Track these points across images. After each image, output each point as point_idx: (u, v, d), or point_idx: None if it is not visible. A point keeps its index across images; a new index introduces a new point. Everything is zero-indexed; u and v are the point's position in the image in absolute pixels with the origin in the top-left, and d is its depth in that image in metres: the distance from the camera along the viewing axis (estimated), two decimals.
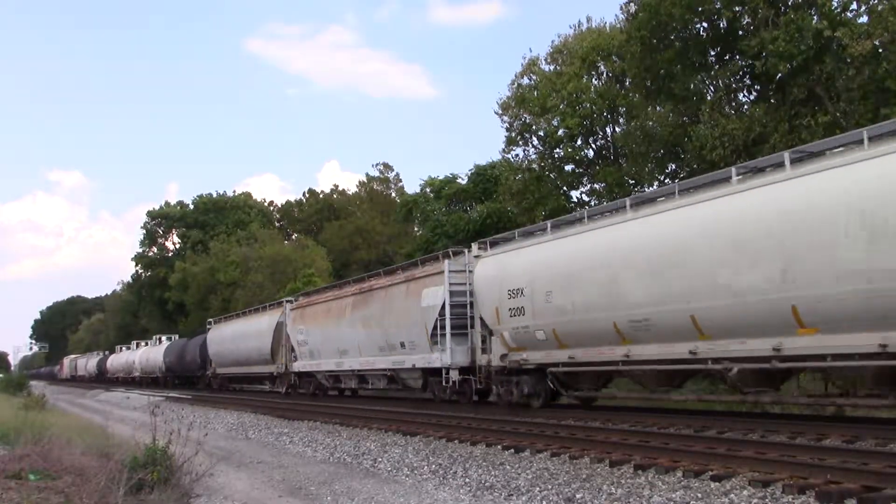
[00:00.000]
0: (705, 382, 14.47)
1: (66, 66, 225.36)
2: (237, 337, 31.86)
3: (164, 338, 49.40)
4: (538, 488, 8.54)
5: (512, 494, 8.55)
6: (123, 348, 60.85)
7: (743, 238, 10.81)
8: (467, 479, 9.55)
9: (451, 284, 17.67)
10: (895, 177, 9.15)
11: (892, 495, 6.57)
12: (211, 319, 39.28)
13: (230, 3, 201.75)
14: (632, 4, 23.72)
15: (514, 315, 15.47)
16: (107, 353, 67.72)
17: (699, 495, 7.43)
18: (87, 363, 72.34)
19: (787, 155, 10.78)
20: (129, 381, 52.54)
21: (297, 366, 26.37)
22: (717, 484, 7.77)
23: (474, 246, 18.10)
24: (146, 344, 52.13)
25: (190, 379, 41.11)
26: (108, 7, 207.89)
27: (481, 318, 16.98)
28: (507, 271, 16.04)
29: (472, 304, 17.41)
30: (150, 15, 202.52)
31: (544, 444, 11.10)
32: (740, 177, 11.48)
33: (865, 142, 9.73)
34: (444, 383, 17.93)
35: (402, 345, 19.49)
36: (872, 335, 9.32)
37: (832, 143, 10.70)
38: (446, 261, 18.03)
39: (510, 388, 16.24)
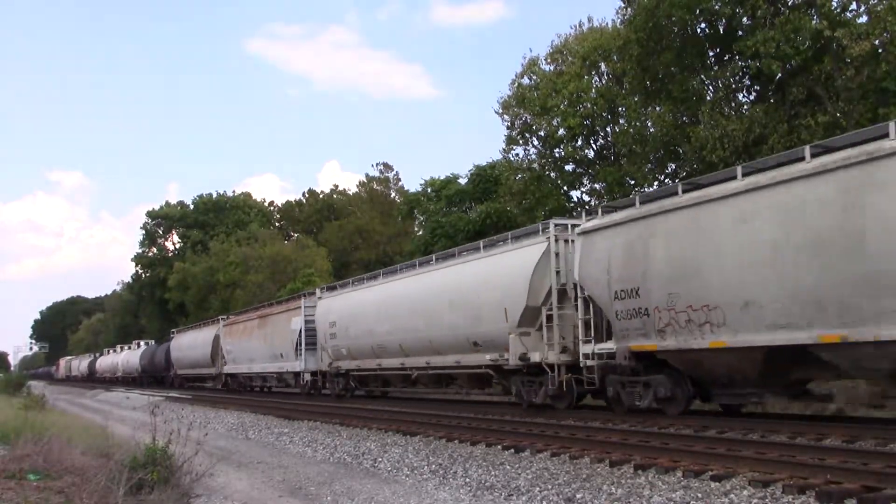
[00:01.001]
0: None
1: (67, 65, 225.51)
2: (190, 345, 40.05)
3: (142, 343, 56.96)
4: (538, 488, 8.54)
5: (512, 494, 8.55)
6: (110, 351, 67.44)
7: (415, 301, 19.38)
8: (467, 479, 9.55)
9: (305, 316, 25.84)
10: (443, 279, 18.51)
11: (892, 495, 6.57)
12: (174, 330, 47.71)
13: (231, 4, 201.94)
14: (628, 9, 23.76)
15: (332, 338, 23.60)
16: (97, 355, 73.59)
17: (699, 495, 7.44)
18: (80, 364, 78.57)
19: (434, 256, 20.34)
20: (114, 380, 59.23)
21: (226, 369, 34.82)
22: (717, 484, 7.77)
23: (318, 291, 26.81)
24: (129, 348, 59.52)
25: (158, 378, 47.83)
26: (108, 7, 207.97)
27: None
28: (329, 310, 24.29)
29: (316, 329, 24.88)
30: (150, 15, 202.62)
31: (544, 444, 11.10)
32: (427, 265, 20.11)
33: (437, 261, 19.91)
34: (301, 381, 26.64)
35: (282, 355, 27.79)
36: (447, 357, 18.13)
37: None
38: (302, 300, 26.93)
39: (334, 385, 24.29)
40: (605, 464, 9.30)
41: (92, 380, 67.54)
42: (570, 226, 15.63)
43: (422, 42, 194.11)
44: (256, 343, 30.21)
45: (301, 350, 25.79)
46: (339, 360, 23.39)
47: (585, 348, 14.25)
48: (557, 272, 15.26)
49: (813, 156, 10.34)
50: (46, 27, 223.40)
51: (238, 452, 14.26)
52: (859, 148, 9.87)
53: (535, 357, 15.38)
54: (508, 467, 9.83)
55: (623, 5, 24.17)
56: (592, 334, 14.20)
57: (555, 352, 15.11)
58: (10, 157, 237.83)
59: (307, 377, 25.83)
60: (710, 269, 11.65)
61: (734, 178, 11.50)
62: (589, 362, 14.10)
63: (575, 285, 14.62)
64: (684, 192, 12.39)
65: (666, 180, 25.20)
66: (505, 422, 14.30)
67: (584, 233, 14.39)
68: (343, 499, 9.31)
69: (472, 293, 17.08)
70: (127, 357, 56.67)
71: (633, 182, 27.02)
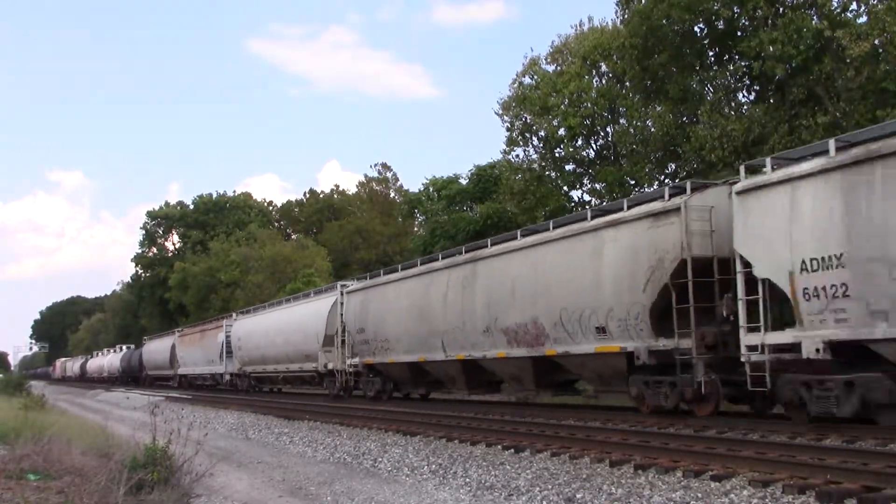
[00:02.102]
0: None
1: (67, 65, 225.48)
2: (156, 351, 48.73)
3: (123, 347, 65.51)
4: (538, 488, 8.54)
5: (512, 494, 8.55)
6: (99, 354, 75.64)
7: (277, 327, 29.01)
8: (467, 479, 9.54)
9: (226, 332, 34.77)
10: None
11: (892, 495, 6.56)
12: (145, 337, 56.22)
13: (232, 4, 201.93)
14: (625, 10, 23.77)
15: (239, 350, 32.98)
16: (88, 357, 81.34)
17: (699, 495, 7.44)
18: (74, 365, 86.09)
19: (281, 300, 32.49)
20: (101, 379, 66.61)
21: (180, 370, 42.98)
22: (717, 484, 7.77)
23: (234, 314, 36.85)
24: (114, 352, 67.65)
25: (134, 377, 54.98)
26: (109, 7, 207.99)
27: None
28: (240, 328, 33.52)
29: (231, 342, 33.96)
30: (151, 15, 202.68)
31: (544, 443, 11.10)
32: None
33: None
34: (223, 380, 35.42)
35: (213, 361, 36.63)
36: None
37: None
38: (224, 320, 35.97)
39: (242, 382, 33.59)
40: (605, 464, 9.30)
41: (83, 379, 74.24)
42: (341, 287, 25.12)
43: (422, 42, 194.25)
44: (198, 351, 39.16)
45: (223, 357, 34.89)
46: (244, 365, 32.89)
47: (751, 339, 10.96)
48: (341, 315, 23.96)
49: (422, 263, 20.63)
50: (47, 27, 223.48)
51: (238, 452, 14.26)
52: (426, 266, 20.01)
53: (330, 365, 24.45)
54: (508, 467, 9.83)
55: (620, 6, 24.21)
56: (742, 321, 11.06)
57: (341, 362, 23.81)
58: (11, 157, 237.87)
59: (227, 377, 34.90)
60: None
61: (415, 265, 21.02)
62: (755, 357, 10.87)
63: (734, 258, 11.44)
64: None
65: (666, 180, 25.18)
66: (505, 422, 14.30)
67: (756, 189, 11.08)
68: (343, 499, 9.31)
69: (301, 325, 26.64)
70: (111, 359, 65.10)
71: (633, 182, 27.02)
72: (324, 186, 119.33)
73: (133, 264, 78.75)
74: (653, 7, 21.47)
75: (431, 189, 39.68)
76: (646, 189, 24.63)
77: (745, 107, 22.04)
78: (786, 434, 10.41)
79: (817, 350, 10.08)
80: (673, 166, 25.56)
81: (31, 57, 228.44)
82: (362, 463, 11.80)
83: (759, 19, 20.43)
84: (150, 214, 75.32)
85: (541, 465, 9.79)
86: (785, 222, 10.52)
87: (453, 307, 17.86)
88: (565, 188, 30.87)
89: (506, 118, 31.10)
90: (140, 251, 76.55)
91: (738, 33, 21.35)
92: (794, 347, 10.40)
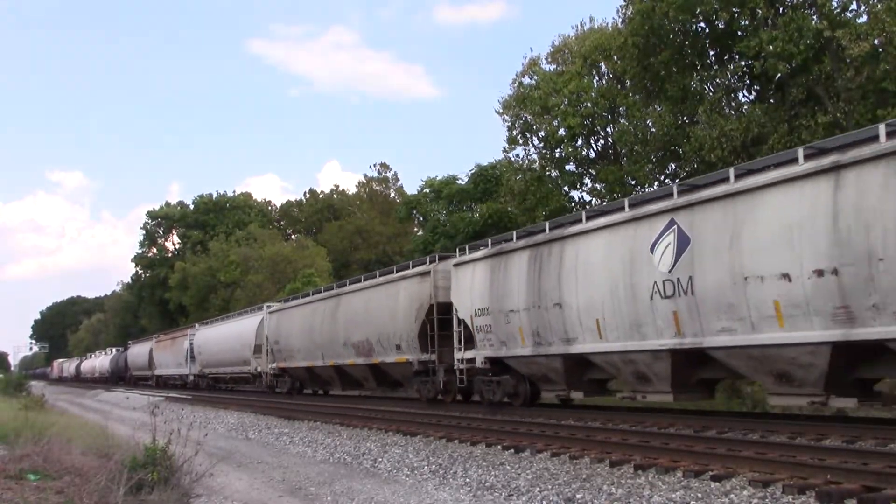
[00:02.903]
0: None
1: (68, 66, 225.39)
2: (138, 354, 54.34)
3: (113, 350, 69.34)
4: (538, 488, 8.54)
5: (512, 494, 8.55)
6: (91, 356, 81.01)
7: (222, 338, 36.07)
8: (467, 479, 9.54)
9: (190, 339, 40.11)
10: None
11: (892, 495, 6.56)
12: (130, 342, 61.90)
13: (233, 4, 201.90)
14: (628, 8, 23.75)
15: (199, 355, 38.37)
16: (83, 359, 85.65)
17: (699, 495, 7.43)
18: (70, 366, 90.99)
19: (224, 316, 39.25)
20: (94, 378, 71.17)
21: (157, 371, 48.61)
22: (717, 484, 7.76)
23: (197, 324, 41.98)
24: (104, 354, 72.82)
25: (120, 377, 59.80)
26: (110, 7, 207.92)
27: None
28: (200, 336, 39.09)
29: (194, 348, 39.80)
30: (152, 15, 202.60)
31: (544, 444, 11.10)
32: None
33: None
34: (188, 381, 41.05)
35: (180, 364, 42.30)
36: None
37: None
38: (189, 330, 41.69)
39: (202, 382, 38.85)
40: (605, 464, 9.30)
41: (78, 379, 79.61)
42: (266, 307, 31.13)
43: (423, 42, 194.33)
44: (170, 355, 44.91)
45: (188, 360, 40.39)
46: (203, 368, 38.33)
47: (458, 355, 17.78)
48: (266, 329, 29.80)
49: (313, 293, 26.55)
50: (48, 27, 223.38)
51: (238, 452, 14.25)
52: (335, 290, 24.80)
53: (259, 368, 30.68)
54: (508, 467, 9.82)
55: (623, 4, 24.19)
56: None
57: (265, 366, 29.74)
58: (12, 157, 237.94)
59: (191, 378, 40.56)
60: None
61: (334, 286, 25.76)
62: (460, 365, 18.13)
63: (454, 306, 17.89)
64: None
65: (667, 180, 25.19)
66: (505, 422, 14.30)
67: (460, 264, 17.79)
68: (343, 499, 9.31)
69: (239, 336, 32.52)
70: (102, 361, 70.78)
71: (633, 182, 27.03)
72: (324, 186, 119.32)
73: (133, 264, 78.84)
74: (654, 6, 21.46)
75: (429, 189, 39.69)
76: (646, 189, 24.63)
77: (745, 107, 22.04)
78: (786, 434, 10.41)
79: (483, 362, 16.61)
80: (673, 166, 25.56)
81: (31, 57, 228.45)
82: (362, 463, 11.80)
83: (759, 19, 20.43)
84: (150, 214, 75.39)
85: (541, 465, 9.78)
86: (468, 285, 16.89)
87: (327, 327, 24.09)
88: (566, 188, 30.88)
89: (506, 118, 31.12)
90: (140, 251, 76.62)
91: (738, 33, 21.34)
92: (474, 360, 16.86)
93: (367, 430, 15.26)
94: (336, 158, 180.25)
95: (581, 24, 30.88)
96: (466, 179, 37.65)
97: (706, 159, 20.65)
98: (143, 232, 76.01)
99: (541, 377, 15.41)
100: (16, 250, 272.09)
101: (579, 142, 29.89)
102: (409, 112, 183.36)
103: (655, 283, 11.86)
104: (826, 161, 9.62)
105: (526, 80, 30.80)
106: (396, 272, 21.11)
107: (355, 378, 23.85)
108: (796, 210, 9.83)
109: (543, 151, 30.59)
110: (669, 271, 11.61)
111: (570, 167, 30.62)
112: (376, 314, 21.04)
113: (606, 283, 12.85)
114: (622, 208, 13.10)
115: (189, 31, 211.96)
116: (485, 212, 33.41)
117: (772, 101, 21.38)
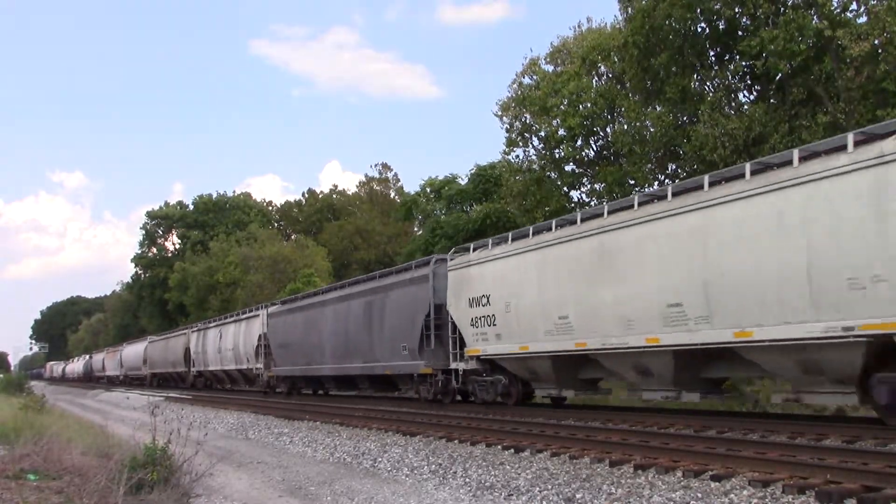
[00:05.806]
0: None
1: (69, 66, 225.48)
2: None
3: (88, 356, 75.37)
4: (538, 488, 8.54)
5: (512, 494, 8.55)
6: (77, 358, 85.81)
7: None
8: (467, 479, 9.54)
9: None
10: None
11: (892, 495, 6.55)
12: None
13: (234, 5, 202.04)
14: (628, 8, 23.75)
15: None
16: (68, 362, 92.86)
17: (699, 495, 7.43)
18: (58, 368, 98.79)
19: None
20: (73, 378, 77.22)
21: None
22: (717, 484, 7.76)
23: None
24: (80, 359, 79.50)
25: (90, 378, 64.44)
26: (112, 8, 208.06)
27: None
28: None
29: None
30: (154, 16, 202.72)
31: (544, 443, 11.08)
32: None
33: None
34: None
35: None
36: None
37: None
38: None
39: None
40: (605, 464, 9.29)
41: (63, 379, 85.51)
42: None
43: (426, 43, 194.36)
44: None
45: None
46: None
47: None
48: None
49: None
50: (49, 28, 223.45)
51: (238, 452, 14.25)
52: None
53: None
54: (508, 467, 9.82)
55: (622, 4, 24.20)
56: None
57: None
58: (13, 157, 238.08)
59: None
60: None
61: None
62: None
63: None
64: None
65: (666, 180, 25.18)
66: (505, 422, 14.29)
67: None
68: (343, 499, 9.31)
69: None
70: (77, 365, 75.60)
71: (633, 182, 27.02)
72: (324, 187, 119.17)
73: (133, 265, 78.82)
74: (654, 5, 21.46)
75: (428, 190, 39.69)
76: (646, 189, 24.61)
77: (746, 106, 22.03)
78: (786, 434, 10.41)
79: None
80: (673, 166, 25.56)
81: (32, 58, 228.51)
82: (362, 463, 11.80)
83: (760, 19, 20.42)
84: (150, 215, 75.36)
85: (541, 465, 9.78)
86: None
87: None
88: (565, 189, 30.87)
89: (505, 119, 31.12)
90: (140, 251, 76.58)
91: (739, 32, 21.34)
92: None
93: (367, 430, 15.25)
94: (336, 158, 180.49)
95: (579, 25, 30.92)
96: (467, 180, 37.68)
97: (707, 159, 20.64)
98: (143, 232, 76.05)
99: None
100: (17, 250, 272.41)
101: (579, 142, 29.90)
102: (411, 112, 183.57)
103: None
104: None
105: (525, 80, 30.80)
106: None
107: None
108: None
109: (543, 152, 30.59)
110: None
111: (570, 167, 30.64)
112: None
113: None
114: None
115: (191, 32, 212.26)
116: (480, 212, 33.40)
117: (772, 101, 21.37)
